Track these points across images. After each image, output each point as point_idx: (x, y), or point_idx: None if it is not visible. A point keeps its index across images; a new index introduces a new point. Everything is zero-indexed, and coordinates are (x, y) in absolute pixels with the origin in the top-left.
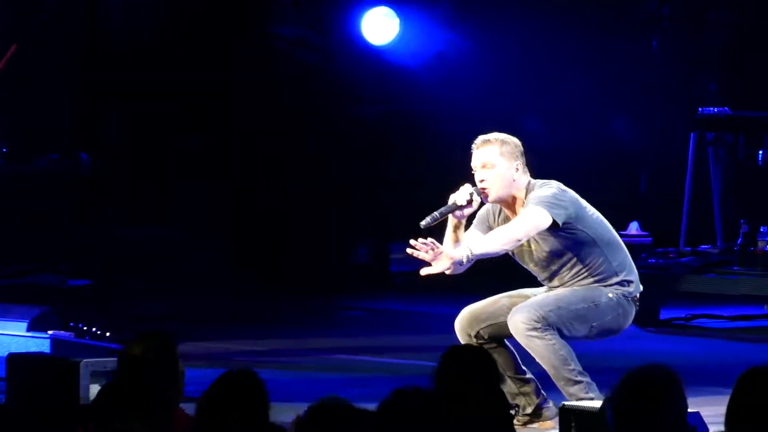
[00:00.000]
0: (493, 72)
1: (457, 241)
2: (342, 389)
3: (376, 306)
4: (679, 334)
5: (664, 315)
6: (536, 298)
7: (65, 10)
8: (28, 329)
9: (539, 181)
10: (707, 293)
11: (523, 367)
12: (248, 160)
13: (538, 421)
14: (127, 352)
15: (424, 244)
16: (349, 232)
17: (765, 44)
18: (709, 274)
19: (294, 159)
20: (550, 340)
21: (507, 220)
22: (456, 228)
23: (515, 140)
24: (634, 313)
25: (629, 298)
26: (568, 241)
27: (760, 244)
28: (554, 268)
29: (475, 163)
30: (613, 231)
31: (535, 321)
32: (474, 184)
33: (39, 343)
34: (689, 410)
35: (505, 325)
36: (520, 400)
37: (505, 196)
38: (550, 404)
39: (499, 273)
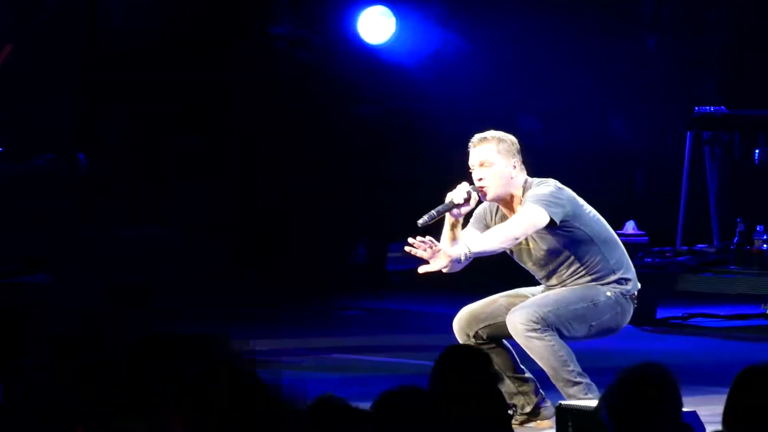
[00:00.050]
0: (490, 71)
1: (454, 239)
2: (340, 388)
3: (374, 306)
4: (675, 333)
5: (660, 314)
6: (535, 298)
7: (65, 10)
8: None
9: (536, 180)
10: (704, 292)
11: (522, 367)
12: (248, 159)
13: (536, 421)
14: (128, 352)
15: (422, 242)
16: (348, 231)
17: (761, 43)
18: (706, 273)
19: (293, 159)
20: (550, 341)
21: (504, 218)
22: (453, 227)
23: (512, 138)
24: (632, 311)
25: (627, 296)
26: (565, 240)
27: (757, 243)
28: (552, 266)
29: (473, 161)
30: (611, 229)
31: (534, 322)
32: (471, 183)
33: None
34: (686, 409)
35: (503, 325)
36: (519, 400)
37: (503, 194)
38: (548, 404)
39: (497, 272)
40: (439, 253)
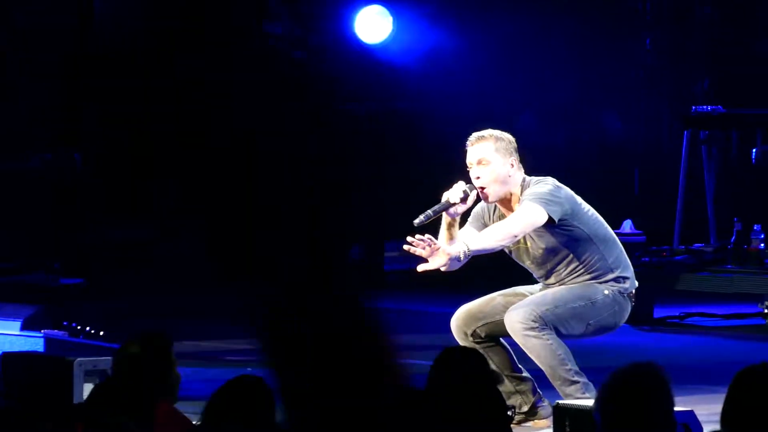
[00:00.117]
0: (487, 71)
1: (451, 239)
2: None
3: (372, 305)
4: (673, 333)
5: (658, 313)
6: (533, 297)
7: (55, 9)
8: (22, 328)
9: (534, 178)
10: (701, 291)
11: (520, 366)
12: (245, 158)
13: (533, 420)
14: (123, 351)
15: (421, 240)
16: (345, 230)
17: (758, 42)
18: (703, 272)
19: (290, 158)
20: (548, 340)
21: (502, 217)
22: (450, 226)
23: (509, 136)
24: (629, 309)
25: (625, 295)
26: (564, 238)
27: (754, 242)
28: (550, 265)
29: (471, 159)
30: (609, 228)
31: (532, 321)
32: (467, 182)
33: (33, 342)
34: (684, 409)
35: (501, 324)
36: (517, 399)
37: (500, 193)
38: (546, 403)
39: (494, 271)
40: (438, 252)
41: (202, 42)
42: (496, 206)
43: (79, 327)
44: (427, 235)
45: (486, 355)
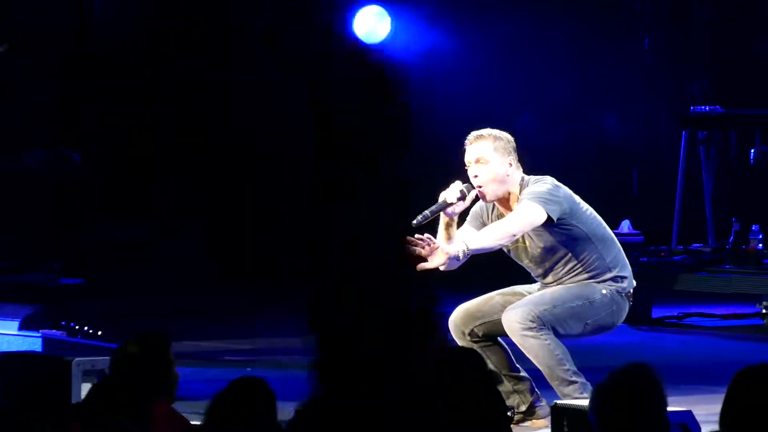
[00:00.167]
0: (486, 71)
1: (449, 238)
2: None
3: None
4: (671, 333)
5: (656, 313)
6: (531, 296)
7: (55, 9)
8: (20, 328)
9: (533, 177)
10: (699, 292)
11: (518, 365)
12: (247, 159)
13: (531, 420)
14: (121, 351)
15: (420, 239)
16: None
17: (757, 43)
18: (701, 272)
19: (290, 158)
20: (545, 340)
21: (500, 216)
22: (448, 226)
23: (508, 136)
24: (627, 308)
25: (623, 294)
26: (562, 237)
27: (752, 242)
28: (549, 264)
29: (469, 158)
30: (607, 227)
31: (530, 321)
32: (465, 181)
33: (31, 342)
34: (682, 409)
35: (499, 323)
36: (515, 398)
37: (499, 192)
38: (543, 403)
39: (492, 270)
40: (437, 251)
41: (202, 42)
42: (494, 205)
43: (77, 327)
44: (426, 235)
45: (484, 355)
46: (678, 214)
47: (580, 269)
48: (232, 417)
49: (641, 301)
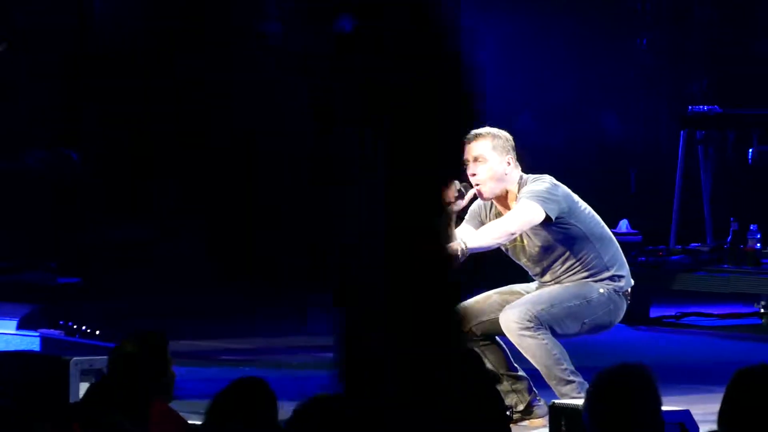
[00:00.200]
0: (485, 71)
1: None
2: (335, 387)
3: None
4: (669, 333)
5: (654, 313)
6: (528, 296)
7: (55, 9)
8: (18, 327)
9: (531, 176)
10: (697, 291)
11: (515, 365)
12: (247, 159)
13: (528, 419)
14: (118, 350)
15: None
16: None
17: (757, 43)
18: (700, 272)
19: (290, 158)
20: (543, 339)
21: (499, 215)
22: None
23: (506, 134)
24: (625, 307)
25: (620, 293)
26: (560, 236)
27: (750, 242)
28: (546, 263)
29: (467, 156)
30: (605, 226)
31: (528, 320)
32: (463, 181)
33: (28, 341)
34: (679, 408)
35: (497, 322)
36: (512, 398)
37: (497, 191)
38: (541, 402)
39: (490, 269)
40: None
41: (202, 42)
42: (493, 204)
43: (75, 326)
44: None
45: (482, 354)
46: (676, 213)
47: (578, 268)
48: (233, 417)
49: (639, 300)
